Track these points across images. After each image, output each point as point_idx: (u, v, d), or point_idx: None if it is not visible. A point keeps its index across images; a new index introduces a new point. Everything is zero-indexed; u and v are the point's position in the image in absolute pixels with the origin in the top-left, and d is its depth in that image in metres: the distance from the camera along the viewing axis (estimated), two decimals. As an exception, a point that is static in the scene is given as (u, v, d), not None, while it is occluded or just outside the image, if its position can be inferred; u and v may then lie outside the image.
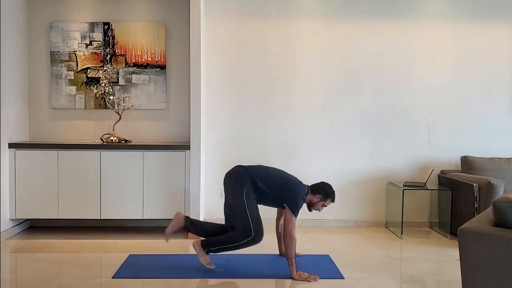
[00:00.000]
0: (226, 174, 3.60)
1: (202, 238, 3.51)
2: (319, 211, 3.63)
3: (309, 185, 3.62)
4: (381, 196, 5.01)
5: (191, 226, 3.56)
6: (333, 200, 3.62)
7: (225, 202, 3.58)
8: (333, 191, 3.61)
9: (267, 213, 4.93)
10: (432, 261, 3.90)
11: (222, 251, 3.47)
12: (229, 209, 3.53)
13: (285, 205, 3.40)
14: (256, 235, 3.36)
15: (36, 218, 4.57)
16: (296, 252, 3.47)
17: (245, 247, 3.40)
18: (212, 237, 3.50)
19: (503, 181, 4.28)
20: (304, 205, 3.57)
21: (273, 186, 3.48)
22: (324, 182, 3.68)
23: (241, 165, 3.60)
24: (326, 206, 3.61)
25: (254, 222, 3.36)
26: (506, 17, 4.96)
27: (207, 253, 3.46)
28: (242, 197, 3.39)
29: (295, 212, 3.39)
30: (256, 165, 3.65)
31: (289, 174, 3.66)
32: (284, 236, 3.39)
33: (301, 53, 4.92)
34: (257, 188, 3.45)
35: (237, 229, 3.41)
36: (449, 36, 4.97)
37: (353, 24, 4.91)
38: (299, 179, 4.89)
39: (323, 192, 3.56)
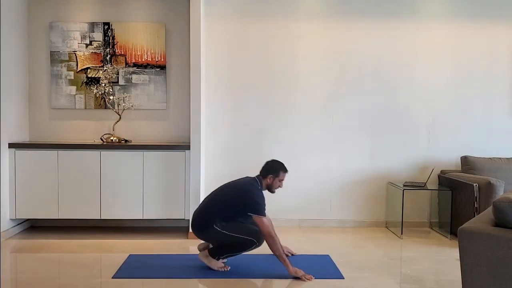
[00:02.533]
0: (192, 229, 3.57)
1: (209, 250, 3.52)
2: (281, 187, 3.61)
3: (258, 175, 3.59)
4: (381, 196, 5.01)
5: (215, 252, 3.52)
6: (285, 171, 3.59)
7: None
8: (280, 163, 3.59)
9: (268, 214, 4.93)
10: (432, 261, 3.90)
11: (230, 257, 3.51)
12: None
13: (250, 214, 3.38)
14: (258, 241, 3.40)
15: (36, 218, 4.57)
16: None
17: (253, 249, 3.45)
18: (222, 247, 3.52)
19: (503, 181, 4.27)
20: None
21: (232, 207, 3.45)
22: (267, 161, 3.64)
23: (195, 212, 3.60)
24: (283, 180, 3.59)
25: (245, 234, 3.38)
26: (506, 17, 4.96)
27: (218, 259, 3.47)
28: (219, 231, 3.39)
29: (260, 212, 3.37)
30: (205, 200, 3.62)
31: (235, 181, 3.61)
32: (265, 239, 3.36)
33: (301, 53, 4.92)
34: (222, 219, 3.44)
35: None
36: (449, 36, 4.97)
37: (353, 25, 4.91)
38: (299, 179, 4.93)
39: (272, 170, 3.55)
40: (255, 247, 3.43)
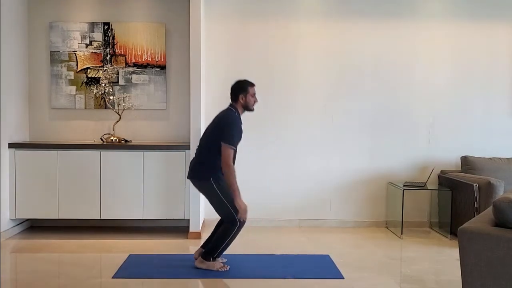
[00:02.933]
0: (188, 178, 3.59)
1: (201, 255, 3.50)
2: (257, 101, 3.61)
3: (231, 103, 3.58)
4: (381, 196, 5.01)
5: (210, 254, 3.50)
6: (252, 84, 3.57)
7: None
8: (244, 80, 3.58)
9: (267, 214, 4.94)
10: (432, 261, 3.90)
11: (224, 251, 3.49)
12: (212, 205, 3.52)
13: (222, 143, 3.36)
14: (241, 220, 3.37)
15: (36, 218, 4.57)
16: None
17: (238, 233, 3.42)
18: (207, 246, 3.53)
19: (503, 181, 4.28)
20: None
21: (216, 141, 3.41)
22: (231, 86, 3.61)
23: (191, 161, 3.60)
24: (255, 93, 3.57)
25: (234, 209, 3.35)
26: (506, 17, 4.96)
27: (214, 260, 3.47)
28: (213, 188, 3.39)
29: (230, 142, 3.36)
30: (197, 148, 3.61)
31: (215, 118, 3.58)
32: (222, 167, 3.34)
33: (301, 53, 4.92)
34: (213, 166, 3.42)
35: (224, 221, 3.43)
36: (449, 36, 4.97)
37: (353, 24, 4.92)
38: (299, 179, 4.94)
39: (240, 89, 3.54)
40: (237, 230, 3.38)
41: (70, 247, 4.12)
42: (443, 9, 4.96)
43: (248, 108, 3.58)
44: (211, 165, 3.44)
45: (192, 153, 4.38)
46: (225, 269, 3.44)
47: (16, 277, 3.43)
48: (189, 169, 3.59)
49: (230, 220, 3.37)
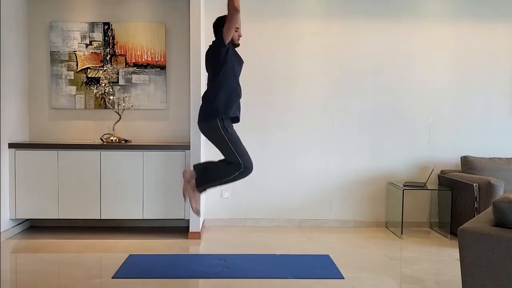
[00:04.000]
0: (198, 124, 3.52)
1: (196, 181, 3.47)
2: (241, 36, 3.58)
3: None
4: (381, 196, 5.01)
5: (201, 177, 3.46)
6: (235, 9, 3.45)
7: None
8: (221, 16, 3.57)
9: (267, 214, 4.94)
10: (432, 261, 3.90)
11: (217, 186, 3.48)
12: (218, 149, 3.48)
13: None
14: (246, 166, 3.34)
15: (36, 218, 4.57)
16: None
17: (239, 179, 3.39)
18: (202, 170, 3.49)
19: (503, 181, 4.28)
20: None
21: (213, 65, 3.43)
22: (213, 23, 3.62)
23: (200, 107, 3.54)
24: (238, 28, 3.52)
25: (240, 155, 3.34)
26: (506, 17, 4.96)
27: (200, 191, 3.45)
28: (220, 133, 3.35)
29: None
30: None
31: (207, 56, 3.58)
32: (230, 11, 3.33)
33: (301, 53, 4.92)
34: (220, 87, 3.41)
35: (229, 163, 3.39)
36: (449, 36, 4.97)
37: (353, 24, 4.92)
38: (299, 179, 4.94)
39: (220, 24, 3.50)
40: (239, 175, 3.35)
41: (70, 247, 4.12)
42: (443, 9, 4.96)
43: (234, 44, 3.53)
44: (216, 100, 3.37)
45: (192, 153, 4.39)
46: (198, 215, 3.47)
47: (16, 277, 3.43)
48: (199, 113, 3.51)
49: (234, 164, 3.34)
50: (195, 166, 3.60)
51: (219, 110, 3.37)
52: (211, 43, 3.54)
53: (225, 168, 3.39)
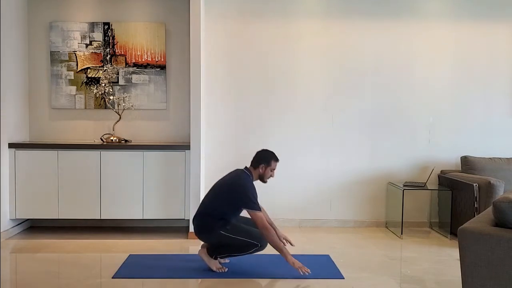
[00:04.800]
0: (196, 233, 3.53)
1: (208, 248, 3.49)
2: (273, 176, 3.60)
3: (246, 166, 3.58)
4: (381, 196, 5.01)
5: (215, 251, 3.48)
6: (276, 160, 3.57)
7: None
8: (271, 152, 3.57)
9: (268, 214, 4.93)
10: (432, 261, 3.90)
11: (230, 257, 3.52)
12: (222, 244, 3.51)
13: (246, 209, 3.38)
14: (260, 244, 3.38)
15: (36, 218, 4.57)
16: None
17: (254, 253, 3.44)
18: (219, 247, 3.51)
19: (503, 181, 4.28)
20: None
21: (227, 204, 3.44)
22: (258, 151, 3.61)
23: (195, 216, 3.54)
24: (275, 169, 3.57)
25: (249, 237, 3.37)
26: (506, 17, 4.96)
27: (215, 258, 3.46)
28: (225, 235, 3.37)
29: (254, 207, 3.35)
30: (202, 201, 3.59)
31: (225, 178, 3.59)
32: (260, 231, 3.34)
33: (301, 53, 4.92)
34: (225, 222, 3.42)
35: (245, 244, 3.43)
36: (449, 36, 4.97)
37: (353, 24, 4.91)
38: (299, 179, 4.93)
39: (264, 160, 3.53)
40: (257, 250, 3.41)
41: (70, 247, 4.12)
42: (443, 9, 4.95)
43: (262, 179, 3.57)
44: (218, 216, 3.41)
45: (192, 153, 4.39)
46: (223, 271, 3.43)
47: (16, 277, 3.43)
48: (194, 225, 3.53)
49: (248, 245, 3.37)
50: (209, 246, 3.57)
51: (221, 225, 3.40)
52: (240, 177, 3.49)
53: (243, 246, 3.40)
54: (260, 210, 3.39)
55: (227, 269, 3.45)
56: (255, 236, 3.38)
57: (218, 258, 3.48)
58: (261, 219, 3.32)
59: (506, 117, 5.04)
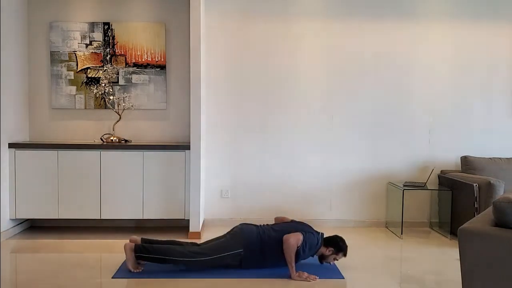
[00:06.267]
0: (241, 231, 3.52)
1: (136, 246, 3.41)
2: (330, 264, 3.60)
3: (324, 235, 3.59)
4: (381, 196, 5.01)
5: (143, 250, 3.40)
6: (345, 255, 3.57)
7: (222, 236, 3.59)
8: (346, 246, 3.56)
9: (267, 214, 4.95)
10: (432, 261, 3.90)
11: (153, 261, 3.39)
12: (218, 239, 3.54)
13: (298, 232, 3.40)
14: (194, 260, 3.36)
15: (36, 218, 4.57)
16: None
17: (182, 264, 3.39)
18: (146, 242, 3.47)
19: (503, 181, 4.28)
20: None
21: (281, 232, 3.46)
22: (338, 235, 3.62)
23: (257, 230, 3.52)
24: (337, 260, 3.58)
25: (216, 255, 3.37)
26: (506, 17, 4.96)
27: (137, 258, 3.39)
28: (231, 248, 3.40)
29: (302, 232, 3.38)
30: (270, 229, 3.55)
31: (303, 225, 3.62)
32: (284, 241, 3.35)
33: (301, 53, 4.92)
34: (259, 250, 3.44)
35: (200, 248, 3.42)
36: (449, 36, 4.97)
37: (353, 24, 4.92)
38: (299, 179, 4.93)
39: (336, 246, 3.53)
40: (187, 262, 3.37)
41: (70, 247, 4.12)
42: (443, 9, 4.95)
43: (321, 258, 3.58)
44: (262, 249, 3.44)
45: (191, 153, 4.39)
46: (138, 271, 3.37)
47: (16, 277, 3.43)
48: (249, 233, 3.50)
49: (196, 254, 3.36)
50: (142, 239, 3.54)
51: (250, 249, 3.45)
52: (313, 234, 3.50)
53: (176, 250, 3.37)
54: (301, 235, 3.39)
55: (142, 269, 3.41)
56: (214, 258, 3.38)
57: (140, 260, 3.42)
58: (297, 239, 3.32)
59: (506, 117, 5.04)
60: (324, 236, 3.58)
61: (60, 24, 4.79)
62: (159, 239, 3.64)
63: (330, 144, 4.96)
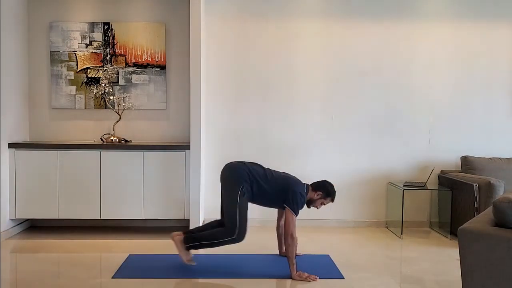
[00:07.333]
0: (225, 166, 3.59)
1: (184, 237, 3.50)
2: (317, 208, 3.66)
3: (310, 183, 3.64)
4: (381, 196, 5.01)
5: (192, 241, 3.50)
6: (332, 200, 3.64)
7: (221, 194, 3.60)
8: (335, 191, 3.63)
9: (267, 214, 4.94)
10: (432, 261, 3.90)
11: (203, 248, 3.51)
12: (223, 202, 3.56)
13: (285, 205, 3.40)
14: (238, 236, 3.38)
15: (36, 218, 4.57)
16: (297, 252, 3.47)
17: (226, 244, 3.43)
18: (192, 233, 3.55)
19: (503, 181, 4.27)
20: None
21: (273, 186, 3.49)
22: (326, 180, 3.69)
23: (242, 162, 3.59)
24: (325, 204, 3.64)
25: (240, 222, 3.37)
26: (506, 17, 4.96)
27: (188, 249, 3.48)
28: (236, 194, 3.40)
29: (295, 211, 3.41)
30: (256, 164, 3.64)
31: (288, 174, 3.67)
32: (285, 236, 3.39)
33: (301, 53, 4.92)
34: (255, 187, 3.45)
35: (225, 225, 3.45)
36: (449, 36, 4.97)
37: (353, 24, 4.92)
38: (299, 178, 4.92)
39: (325, 190, 3.59)
40: (228, 241, 3.40)
41: (70, 247, 4.12)
42: (443, 9, 4.95)
43: (309, 203, 3.60)
44: (254, 177, 3.45)
45: (191, 153, 4.39)
46: (192, 263, 3.47)
47: (16, 277, 3.43)
48: (231, 164, 3.56)
49: (229, 228, 3.38)
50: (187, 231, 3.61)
51: (246, 183, 3.44)
52: (299, 183, 3.55)
53: (218, 232, 3.43)
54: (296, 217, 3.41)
55: (196, 263, 3.49)
56: (242, 225, 3.38)
57: (190, 250, 3.50)
58: (293, 225, 3.36)
59: (506, 117, 5.04)
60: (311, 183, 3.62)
61: (60, 24, 4.79)
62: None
63: (330, 144, 4.96)
